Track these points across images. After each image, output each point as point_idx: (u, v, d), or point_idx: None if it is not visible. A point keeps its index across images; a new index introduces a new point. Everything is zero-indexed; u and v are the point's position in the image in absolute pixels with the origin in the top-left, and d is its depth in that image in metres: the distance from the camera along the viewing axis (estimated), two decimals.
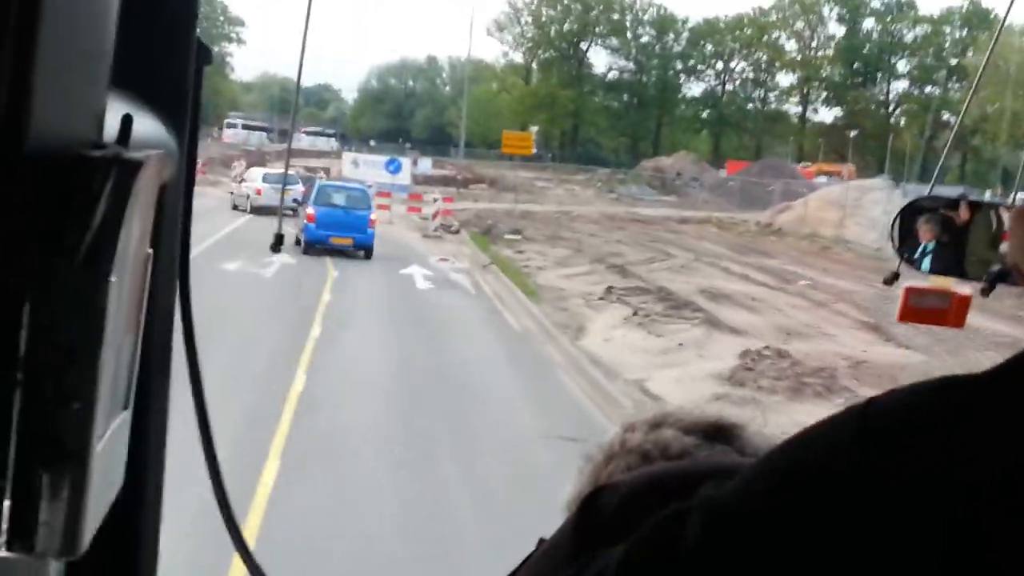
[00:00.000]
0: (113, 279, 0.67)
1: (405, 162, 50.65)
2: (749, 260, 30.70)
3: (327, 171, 64.40)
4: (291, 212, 31.08)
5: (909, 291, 2.37)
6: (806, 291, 24.80)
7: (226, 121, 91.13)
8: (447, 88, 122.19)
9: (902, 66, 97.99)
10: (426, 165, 55.45)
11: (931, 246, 2.13)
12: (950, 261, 2.14)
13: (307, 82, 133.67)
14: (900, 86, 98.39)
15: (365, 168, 50.23)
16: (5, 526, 0.66)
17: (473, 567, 7.92)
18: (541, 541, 1.05)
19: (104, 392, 0.69)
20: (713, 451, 1.16)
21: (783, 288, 25.04)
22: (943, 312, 2.37)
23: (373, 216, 30.23)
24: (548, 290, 23.22)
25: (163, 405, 1.17)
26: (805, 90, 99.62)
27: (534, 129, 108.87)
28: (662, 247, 33.64)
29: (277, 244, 2.01)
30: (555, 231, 37.94)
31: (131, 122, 0.77)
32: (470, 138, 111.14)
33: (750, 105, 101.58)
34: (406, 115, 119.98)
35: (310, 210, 29.89)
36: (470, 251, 31.02)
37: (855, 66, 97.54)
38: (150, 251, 0.79)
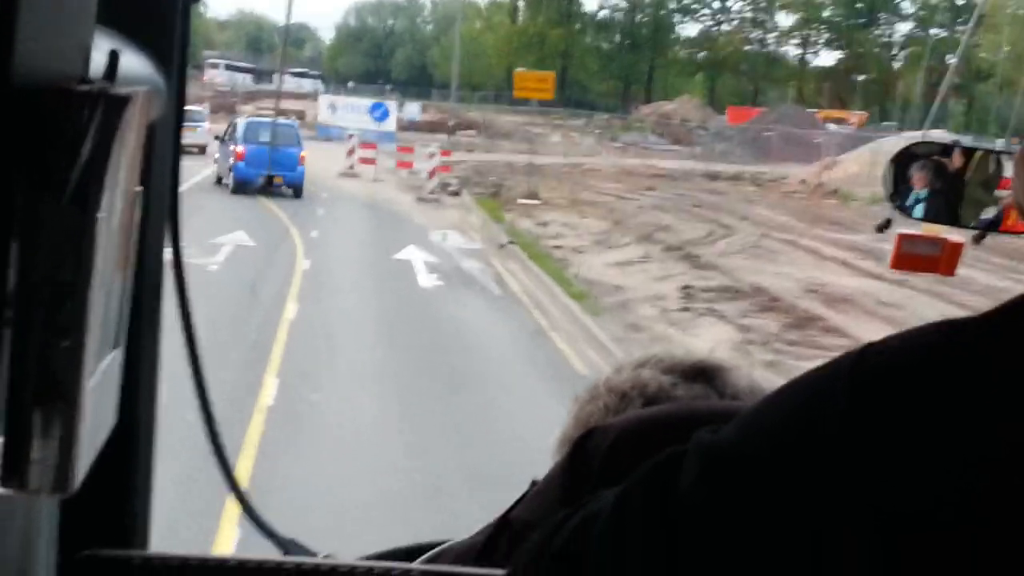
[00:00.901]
0: (101, 215, 0.66)
1: (390, 107, 43.36)
2: (832, 236, 23.64)
3: (302, 116, 57.20)
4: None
5: (902, 238, 2.32)
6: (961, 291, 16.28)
7: (207, 61, 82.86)
8: (429, 27, 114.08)
9: (906, 6, 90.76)
10: (413, 110, 47.92)
11: (924, 193, 2.00)
12: (942, 208, 1.99)
13: (281, 20, 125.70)
14: (904, 28, 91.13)
15: (344, 113, 42.89)
16: None
17: None
18: (534, 483, 1.06)
19: (94, 330, 0.68)
20: (692, 391, 1.15)
21: (929, 288, 16.80)
22: (935, 259, 2.32)
23: (303, 153, 28.04)
24: (601, 290, 16.25)
25: (155, 344, 1.15)
26: (805, 32, 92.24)
27: (520, 70, 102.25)
28: (711, 215, 26.65)
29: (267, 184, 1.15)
30: (574, 191, 30.90)
31: (118, 58, 0.75)
32: (449, 80, 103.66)
33: (748, 47, 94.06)
34: (386, 55, 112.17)
35: (239, 148, 27.93)
36: (479, 221, 23.99)
37: (857, 6, 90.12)
38: (139, 189, 0.77)
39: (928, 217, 2.13)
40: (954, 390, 0.56)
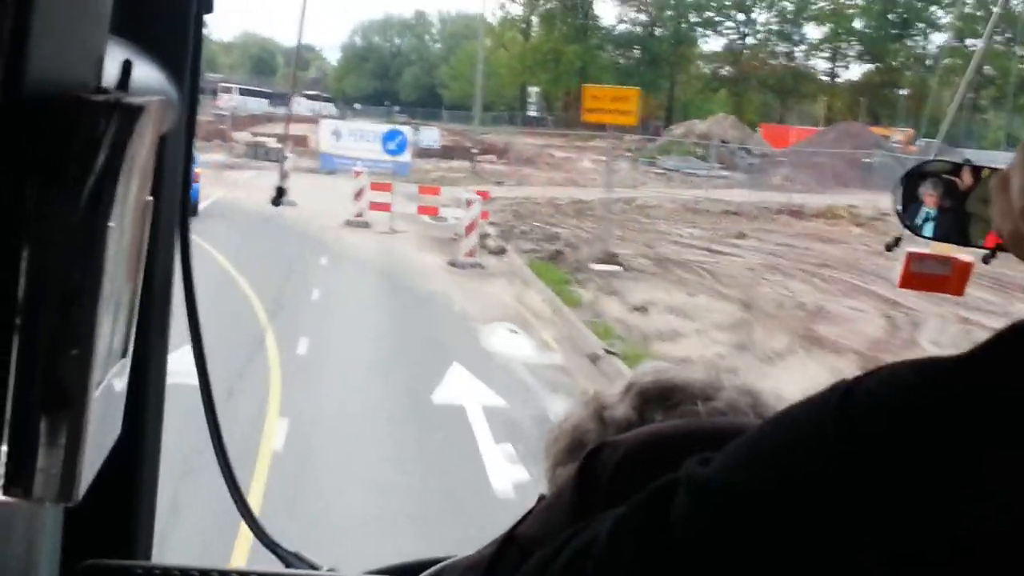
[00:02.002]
0: (112, 224, 0.65)
1: (406, 133, 35.68)
2: None
3: (302, 143, 49.51)
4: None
5: (911, 257, 2.25)
6: None
7: (220, 85, 75.27)
8: (437, 46, 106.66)
9: (942, 16, 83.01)
10: (431, 136, 39.98)
11: (934, 212, 1.90)
12: (952, 227, 1.88)
13: (287, 42, 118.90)
14: (939, 39, 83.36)
15: (351, 141, 35.13)
16: (2, 471, 0.64)
17: None
18: (541, 498, 1.05)
19: (103, 339, 0.67)
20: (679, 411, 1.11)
21: None
22: (944, 279, 2.24)
23: (198, 169, 22.18)
24: None
25: (162, 355, 1.13)
26: (835, 44, 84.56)
27: (534, 90, 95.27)
28: (857, 281, 18.83)
29: (277, 197, 1.58)
30: (651, 244, 23.10)
31: (131, 67, 0.74)
32: (459, 101, 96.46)
33: (774, 61, 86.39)
34: (393, 75, 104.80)
35: None
36: (544, 303, 16.03)
37: (889, 17, 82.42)
38: (150, 199, 0.76)
39: (938, 236, 1.91)
40: (936, 430, 0.56)
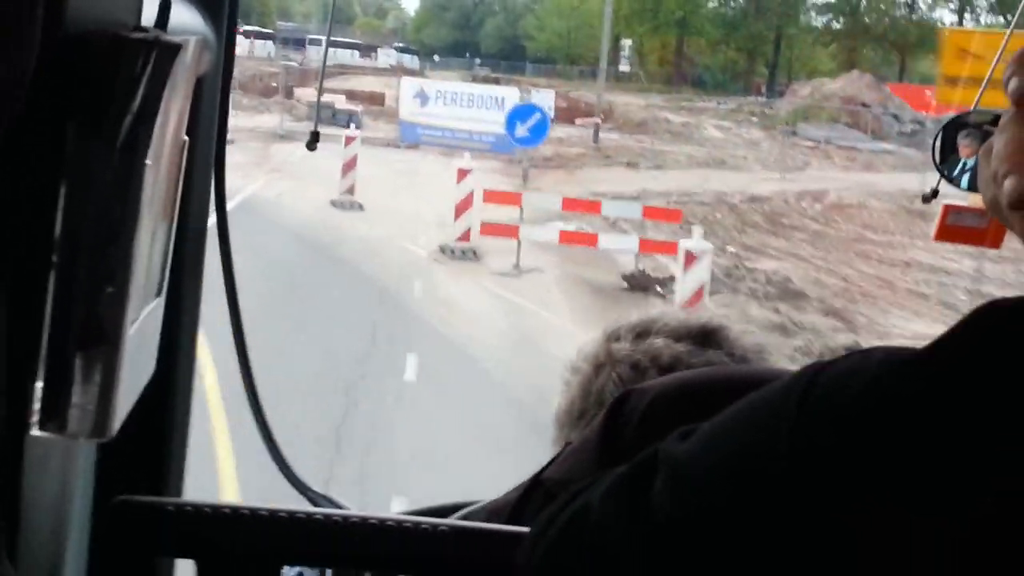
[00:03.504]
0: (149, 163, 0.64)
1: (507, 96, 26.26)
2: None
3: (378, 100, 40.27)
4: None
5: (948, 209, 2.10)
6: None
7: (308, 38, 66.48)
8: None
9: None
10: (545, 101, 30.19)
11: (971, 163, 1.85)
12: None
13: None
14: None
15: (439, 105, 25.93)
16: (38, 407, 0.64)
17: None
18: (567, 444, 1.02)
19: (138, 277, 0.66)
20: (706, 356, 1.11)
21: None
22: (981, 232, 2.10)
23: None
24: None
25: (196, 294, 1.12)
26: None
27: (627, 43, 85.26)
28: None
29: (313, 141, 1.49)
30: (952, 304, 13.60)
31: (169, 7, 0.73)
32: (544, 53, 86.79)
33: (895, 12, 75.26)
34: (474, 25, 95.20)
35: None
36: None
37: None
38: (186, 139, 0.75)
39: (974, 187, 1.72)
40: (895, 418, 0.54)
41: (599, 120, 28.97)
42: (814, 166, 29.27)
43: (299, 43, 63.87)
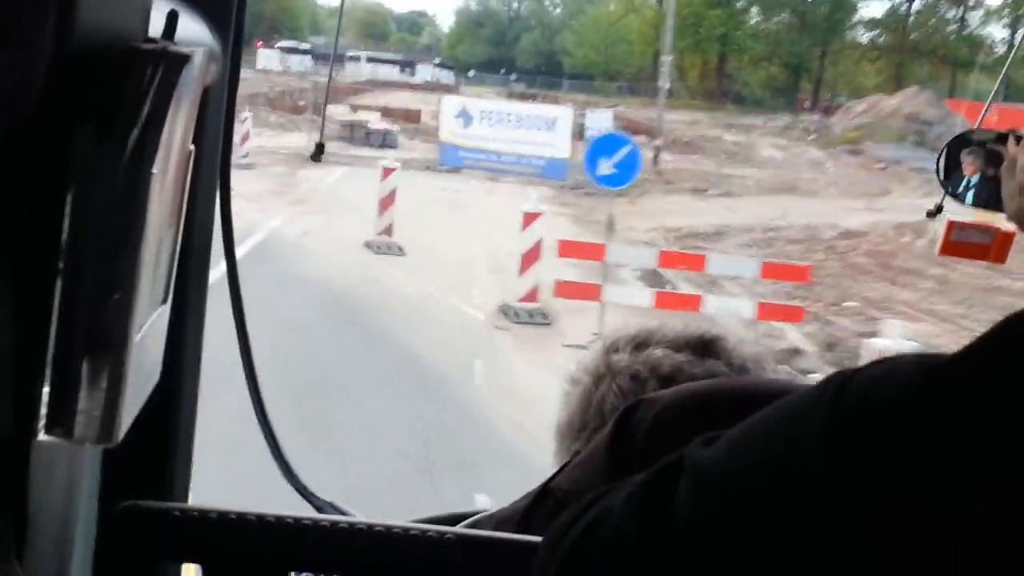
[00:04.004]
0: (155, 171, 0.64)
1: (563, 116, 23.30)
2: None
3: (413, 118, 37.50)
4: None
5: (952, 224, 2.03)
6: None
7: (347, 54, 64.09)
8: (558, 10, 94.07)
9: None
10: (602, 121, 26.87)
11: (975, 179, 1.89)
12: (995, 195, 1.82)
13: (399, 7, 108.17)
14: None
15: (483, 126, 23.04)
16: (44, 412, 0.64)
17: None
18: (576, 453, 1.03)
19: (144, 284, 0.66)
20: (706, 366, 1.11)
21: None
22: (985, 247, 2.05)
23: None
24: None
25: (201, 302, 1.12)
26: (1018, 11, 69.68)
27: (667, 59, 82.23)
28: None
29: (318, 153, 1.50)
30: None
31: (176, 18, 0.73)
32: (582, 69, 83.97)
33: (945, 28, 71.89)
34: (510, 41, 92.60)
35: None
36: None
37: None
38: (192, 148, 0.75)
39: (978, 203, 1.90)
40: (927, 426, 0.53)
41: (659, 143, 25.94)
42: (896, 191, 26.18)
43: (324, 58, 61.33)
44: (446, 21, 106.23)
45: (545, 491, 0.99)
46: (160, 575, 1.12)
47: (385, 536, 1.01)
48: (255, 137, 22.12)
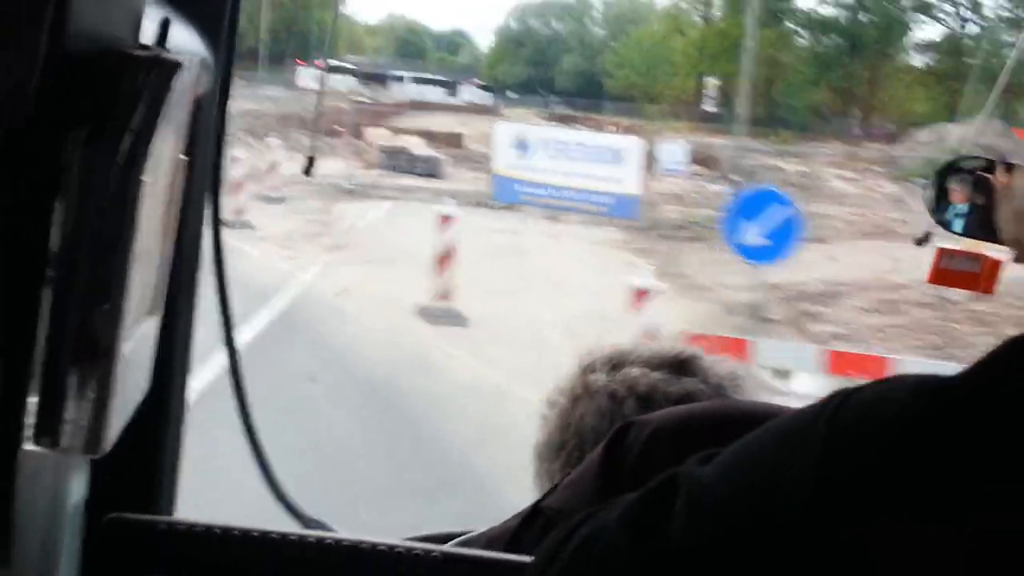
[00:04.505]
0: (147, 179, 0.63)
1: (630, 147, 20.49)
2: None
3: (454, 142, 34.89)
4: None
5: (941, 252, 2.00)
6: None
7: (391, 74, 61.75)
8: (599, 30, 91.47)
9: None
10: (675, 155, 23.82)
11: (964, 208, 1.85)
12: (983, 224, 1.81)
13: (437, 27, 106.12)
14: None
15: (542, 156, 20.30)
16: (32, 421, 0.64)
17: None
18: (567, 473, 1.02)
19: (134, 294, 0.65)
20: (681, 384, 1.11)
21: None
22: (974, 276, 2.00)
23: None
24: None
25: (190, 314, 1.11)
26: None
27: (712, 81, 79.30)
28: None
29: (309, 167, 1.46)
30: None
31: (169, 26, 0.72)
32: (624, 91, 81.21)
33: (1004, 50, 68.52)
34: (550, 62, 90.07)
35: None
36: None
37: None
38: (184, 158, 0.75)
39: (967, 232, 1.87)
40: (924, 446, 0.53)
41: (738, 179, 23.05)
42: None
43: (378, 78, 58.85)
44: (484, 41, 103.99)
45: (536, 511, 0.98)
46: None
47: (371, 553, 0.99)
48: (286, 163, 19.45)
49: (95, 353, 0.62)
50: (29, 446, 0.64)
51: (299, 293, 11.48)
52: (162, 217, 0.71)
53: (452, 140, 35.36)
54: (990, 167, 1.76)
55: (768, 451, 0.59)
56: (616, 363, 1.15)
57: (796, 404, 0.71)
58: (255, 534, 1.00)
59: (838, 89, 70.22)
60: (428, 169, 26.63)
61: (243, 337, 9.29)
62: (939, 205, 1.85)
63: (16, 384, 0.63)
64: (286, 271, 12.37)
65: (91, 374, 0.63)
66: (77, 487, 0.88)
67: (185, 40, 0.91)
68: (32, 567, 0.74)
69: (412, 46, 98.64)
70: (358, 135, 31.78)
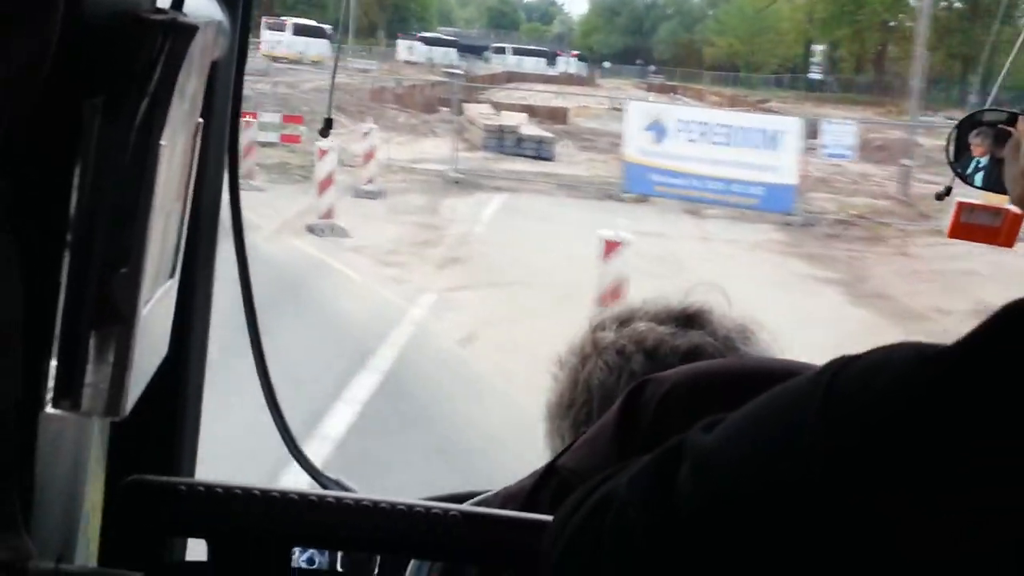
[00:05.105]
0: (164, 143, 0.63)
1: (785, 128, 17.14)
2: None
3: (558, 117, 31.83)
4: None
5: (961, 206, 1.95)
6: None
7: (492, 46, 58.95)
8: None
9: None
10: (842, 138, 20.31)
11: (984, 161, 1.84)
12: (1002, 177, 1.78)
13: None
14: None
15: (682, 141, 17.05)
16: (52, 384, 0.64)
17: None
18: (582, 433, 1.00)
19: (152, 258, 0.65)
20: (689, 337, 1.10)
21: None
22: (994, 230, 1.95)
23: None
24: None
25: (209, 278, 1.09)
26: None
27: (819, 48, 74.85)
28: None
29: (326, 128, 1.41)
30: None
31: None
32: (724, 60, 77.03)
33: None
34: (646, 31, 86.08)
35: None
36: None
37: None
38: (200, 121, 0.74)
39: (987, 186, 1.86)
40: (919, 415, 0.52)
41: (908, 163, 19.39)
42: None
43: (474, 50, 55.81)
44: (576, 9, 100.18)
45: (551, 469, 0.97)
46: (167, 548, 1.12)
47: (389, 513, 0.99)
48: (382, 146, 16.56)
49: (114, 317, 0.62)
50: (50, 409, 0.63)
51: (410, 340, 8.53)
52: (179, 180, 0.70)
53: (556, 115, 32.17)
54: (1012, 119, 1.75)
55: (768, 419, 0.59)
56: (624, 320, 1.13)
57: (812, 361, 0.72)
58: (275, 494, 0.98)
59: (956, 55, 65.18)
60: (539, 151, 23.52)
61: (335, 427, 6.49)
62: (960, 158, 1.84)
63: (37, 348, 0.62)
64: (396, 304, 9.49)
65: (110, 338, 0.62)
66: (97, 450, 0.88)
67: (201, 4, 0.88)
68: (53, 529, 0.74)
69: (504, 17, 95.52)
70: (456, 110, 28.87)
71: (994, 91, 2.34)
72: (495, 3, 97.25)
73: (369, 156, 15.72)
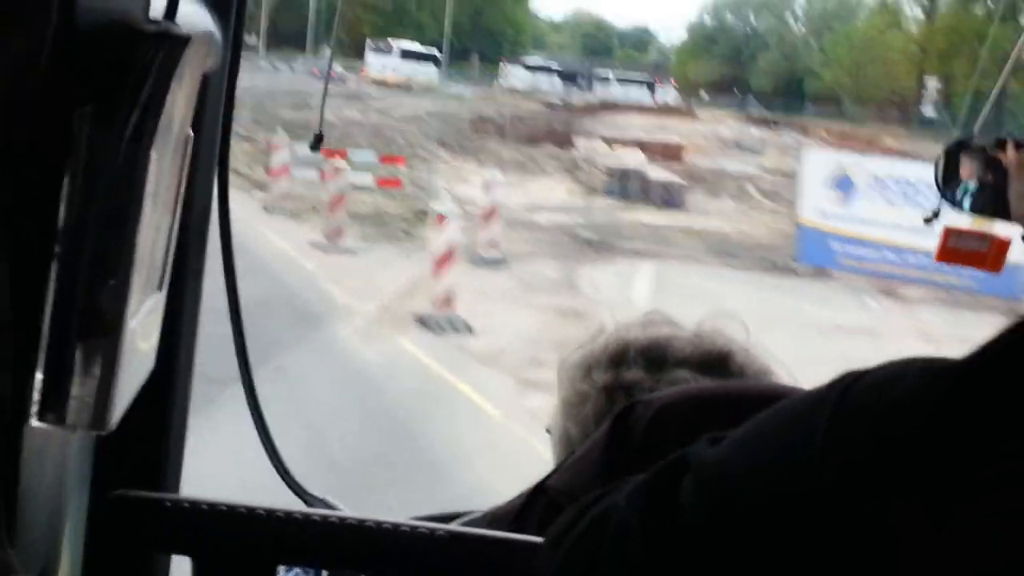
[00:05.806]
0: (154, 155, 0.62)
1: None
2: None
3: (675, 155, 28.33)
4: None
5: (948, 231, 2.01)
6: None
7: (595, 72, 55.87)
8: (801, 26, 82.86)
9: None
10: None
11: (972, 185, 1.87)
12: (992, 202, 1.83)
13: (623, 24, 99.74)
14: None
15: (879, 202, 13.50)
16: (37, 397, 0.62)
17: None
18: (573, 452, 0.99)
19: (140, 270, 0.64)
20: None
21: None
22: (981, 255, 2.01)
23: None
24: None
25: (197, 290, 1.07)
26: None
27: (932, 82, 70.35)
28: None
29: (316, 143, 1.42)
30: None
31: (177, 0, 0.70)
32: (828, 92, 72.77)
33: None
34: (745, 60, 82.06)
35: None
36: None
37: None
38: (191, 133, 0.73)
39: (975, 210, 1.88)
40: (930, 428, 0.51)
41: None
42: None
43: (575, 78, 52.56)
44: (669, 37, 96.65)
45: (539, 490, 0.96)
46: (151, 565, 1.10)
47: (375, 532, 0.97)
48: (501, 194, 13.18)
49: (101, 330, 0.61)
50: (35, 422, 0.62)
51: None
52: (169, 192, 0.69)
53: (670, 152, 28.52)
54: (1001, 145, 1.70)
55: (777, 431, 0.58)
56: (653, 358, 1.10)
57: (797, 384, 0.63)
58: (260, 512, 0.97)
59: None
60: (667, 198, 20.04)
61: None
62: (948, 182, 1.81)
63: (22, 360, 0.61)
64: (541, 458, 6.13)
65: (97, 351, 0.61)
66: (83, 464, 0.88)
67: (194, 15, 0.87)
68: (38, 543, 0.72)
69: (598, 43, 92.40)
70: (560, 143, 25.44)
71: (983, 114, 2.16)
72: (590, 29, 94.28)
73: (491, 214, 12.41)
